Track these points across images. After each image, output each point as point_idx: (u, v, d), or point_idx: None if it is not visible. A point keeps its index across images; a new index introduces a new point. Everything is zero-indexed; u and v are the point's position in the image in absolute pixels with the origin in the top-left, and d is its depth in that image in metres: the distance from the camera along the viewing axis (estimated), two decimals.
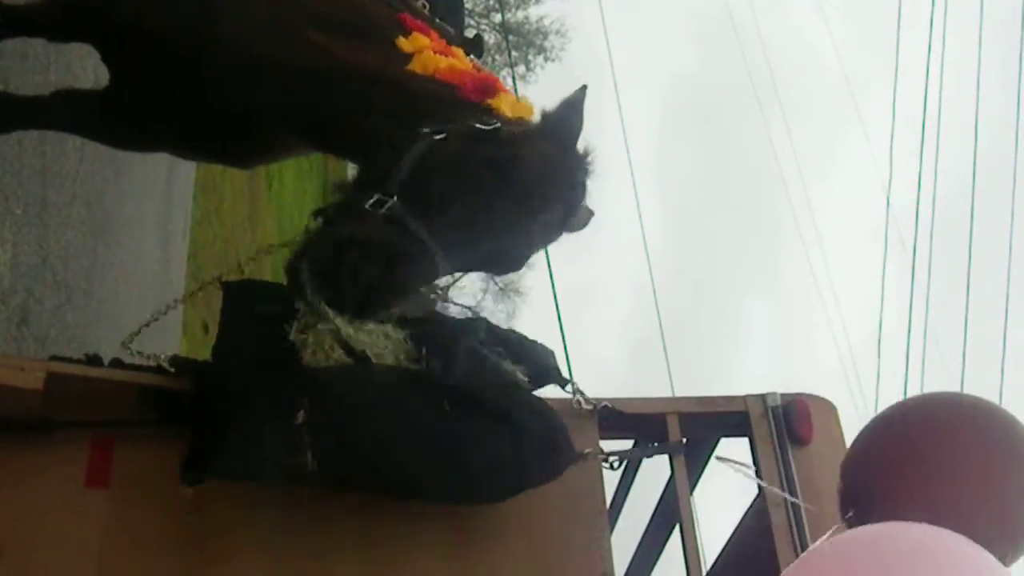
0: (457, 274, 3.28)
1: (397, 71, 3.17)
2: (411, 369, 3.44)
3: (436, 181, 2.87)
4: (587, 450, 3.71)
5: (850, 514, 2.97)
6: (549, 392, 3.99)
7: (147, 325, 3.61)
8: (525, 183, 2.90)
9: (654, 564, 5.14)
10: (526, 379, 3.79)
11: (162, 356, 3.56)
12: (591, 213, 3.37)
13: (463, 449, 3.44)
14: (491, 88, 3.20)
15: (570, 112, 3.13)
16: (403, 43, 3.23)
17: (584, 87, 3.16)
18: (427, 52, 3.22)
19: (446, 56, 3.25)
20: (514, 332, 4.01)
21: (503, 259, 3.07)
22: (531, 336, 3.97)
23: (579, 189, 3.11)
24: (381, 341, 3.44)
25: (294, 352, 3.31)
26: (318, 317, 3.31)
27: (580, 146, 3.13)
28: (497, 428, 3.45)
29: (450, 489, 3.53)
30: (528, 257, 3.14)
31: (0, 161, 5.83)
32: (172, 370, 3.57)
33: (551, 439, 3.58)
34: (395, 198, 2.80)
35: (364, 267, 2.66)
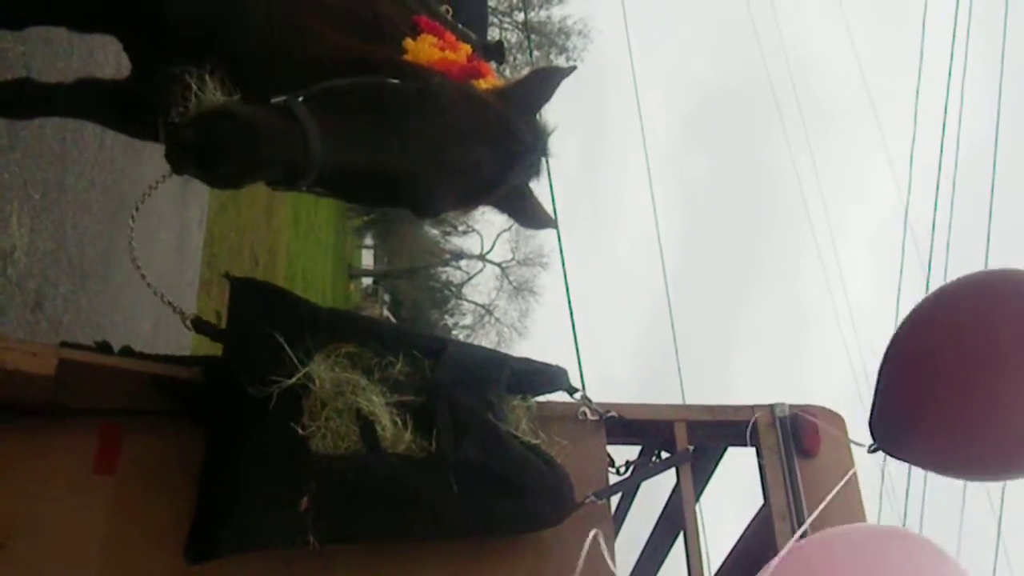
0: (371, 206, 3.18)
1: (391, 60, 3.17)
2: (419, 458, 3.43)
3: (345, 96, 2.87)
4: (588, 498, 3.70)
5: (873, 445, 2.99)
6: (559, 397, 4.02)
7: (142, 202, 3.52)
8: (435, 111, 2.89)
9: (657, 570, 5.15)
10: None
11: (187, 313, 3.58)
12: (551, 219, 3.40)
13: (467, 520, 3.49)
14: (476, 73, 3.22)
15: (534, 81, 3.16)
16: (409, 44, 3.25)
17: (573, 67, 3.19)
18: (424, 44, 3.23)
19: (444, 51, 3.27)
20: (532, 363, 4.04)
21: (413, 187, 2.97)
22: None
23: (515, 143, 3.08)
24: (389, 418, 3.46)
25: (303, 439, 3.29)
26: (332, 398, 3.36)
27: (536, 114, 3.15)
28: (502, 495, 3.49)
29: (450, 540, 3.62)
30: (444, 197, 3.08)
31: (20, 146, 5.86)
32: (193, 331, 3.61)
33: (556, 496, 3.60)
34: (300, 98, 2.79)
35: (224, 125, 2.57)
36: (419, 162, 2.91)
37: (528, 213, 3.34)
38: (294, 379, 3.30)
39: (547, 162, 3.30)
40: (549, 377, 3.99)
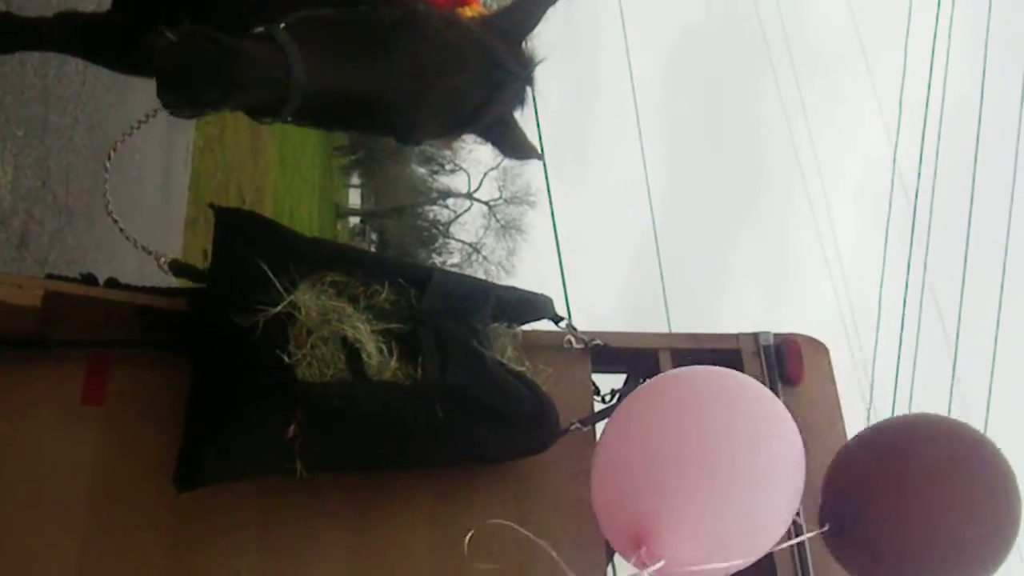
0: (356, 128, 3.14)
1: None
2: (405, 385, 3.44)
3: (328, 23, 2.87)
4: (573, 425, 3.71)
5: (826, 527, 3.14)
6: (544, 326, 4.04)
7: (121, 142, 3.48)
8: (418, 38, 2.89)
9: None
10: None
11: (163, 258, 3.56)
12: (536, 150, 3.40)
13: (453, 447, 3.51)
14: (460, 1, 3.20)
15: (520, 9, 3.17)
16: None
17: None
18: None
19: None
20: (517, 292, 4.07)
21: (395, 114, 2.99)
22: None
23: (499, 71, 3.08)
24: (375, 345, 3.47)
25: (289, 366, 3.27)
26: (317, 326, 3.36)
27: (522, 42, 3.16)
28: (489, 422, 3.50)
29: (438, 468, 3.66)
30: (426, 125, 3.09)
31: (2, 82, 5.82)
32: (171, 273, 3.60)
33: (541, 423, 3.62)
34: (281, 25, 2.78)
35: (207, 47, 2.56)
36: (402, 89, 2.91)
37: (512, 143, 3.34)
38: (280, 307, 3.30)
39: (533, 92, 3.30)
40: (535, 305, 4.00)
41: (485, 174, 61.82)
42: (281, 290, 3.34)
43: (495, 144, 3.32)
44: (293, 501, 3.50)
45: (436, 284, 3.69)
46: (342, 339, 3.38)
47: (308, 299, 3.40)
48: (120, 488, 3.48)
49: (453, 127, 3.16)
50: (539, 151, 3.49)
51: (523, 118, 3.32)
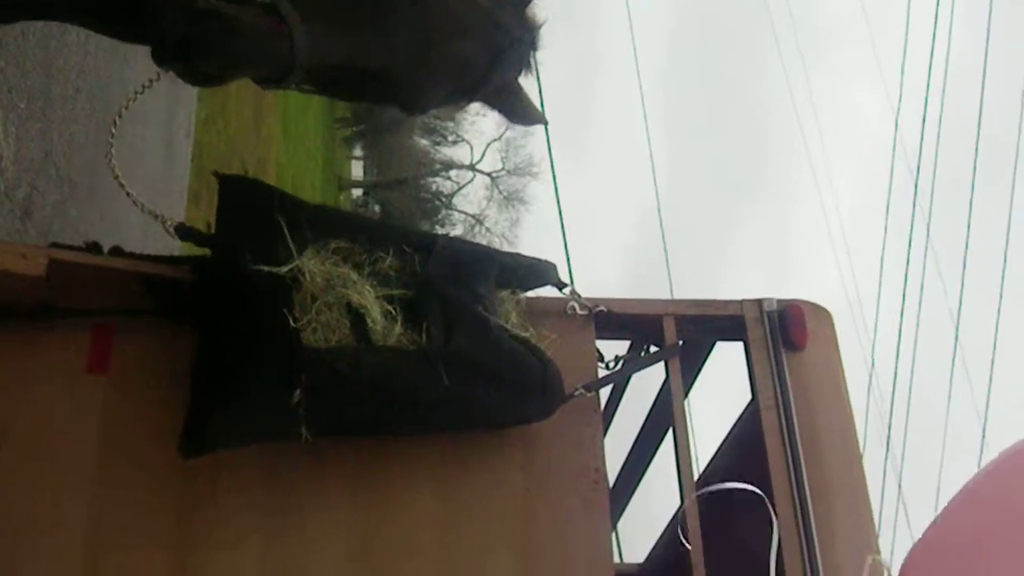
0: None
1: None
2: (410, 351, 3.43)
3: None
4: (577, 391, 3.73)
5: None
6: (548, 293, 4.05)
7: (126, 107, 3.47)
8: (422, 6, 2.87)
9: (647, 465, 5.22)
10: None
11: (168, 221, 3.53)
12: (541, 115, 3.39)
13: (458, 413, 3.52)
14: None
15: None
16: None
17: None
18: None
19: None
20: (521, 258, 4.07)
21: (400, 82, 2.96)
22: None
23: (503, 36, 3.07)
24: (379, 311, 3.47)
25: (295, 331, 3.27)
26: (322, 291, 3.37)
27: (525, 7, 3.13)
28: (493, 388, 3.50)
29: (442, 434, 3.67)
30: (431, 92, 3.07)
31: (3, 54, 5.80)
32: (177, 237, 3.59)
33: (545, 389, 3.61)
34: None
35: (210, 22, 2.54)
36: (406, 57, 2.90)
37: (517, 109, 3.34)
38: (286, 269, 3.31)
39: (535, 57, 3.29)
40: (538, 271, 4.01)
41: (488, 145, 61.78)
42: (287, 254, 3.35)
43: (500, 110, 3.32)
44: (298, 463, 3.52)
45: (441, 250, 3.70)
46: (347, 305, 3.38)
47: (313, 265, 3.41)
48: (127, 453, 3.50)
49: (458, 94, 3.15)
50: (543, 116, 3.49)
51: (527, 83, 3.31)
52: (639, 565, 6.23)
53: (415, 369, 3.36)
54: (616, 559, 6.47)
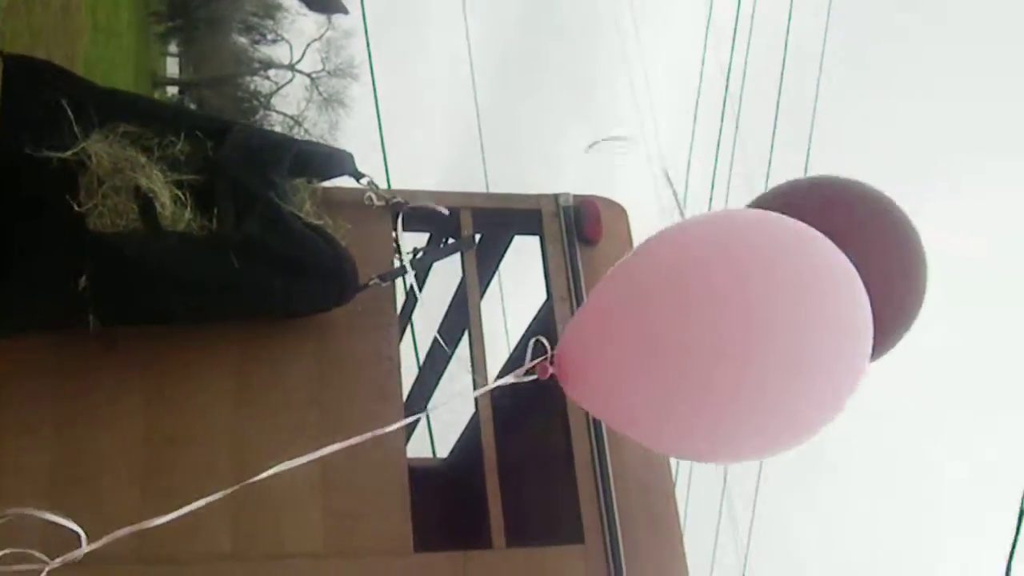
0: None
1: None
2: (200, 236, 3.41)
3: None
4: (372, 280, 3.75)
5: None
6: (347, 182, 4.03)
7: None
8: None
9: (450, 357, 5.27)
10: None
11: None
12: (342, 5, 3.38)
13: (251, 300, 3.53)
14: None
15: None
16: None
17: None
18: None
19: None
20: (317, 146, 4.03)
21: None
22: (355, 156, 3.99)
23: None
24: (169, 196, 3.40)
25: (80, 217, 3.21)
26: (109, 175, 3.28)
27: None
28: (286, 274, 3.51)
29: (237, 322, 3.65)
30: None
31: None
32: None
33: (338, 276, 3.64)
34: None
35: None
36: None
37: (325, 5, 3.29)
38: (69, 153, 3.23)
39: None
40: (335, 161, 3.98)
41: (308, 45, 60.35)
42: (72, 138, 3.26)
43: None
44: (90, 352, 3.48)
45: (234, 136, 3.65)
46: (135, 189, 3.33)
47: (100, 148, 3.34)
48: None
49: None
50: (344, 6, 3.47)
51: None
52: (442, 459, 6.34)
53: (205, 254, 3.34)
54: (429, 454, 6.61)
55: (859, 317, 2.27)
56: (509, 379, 2.54)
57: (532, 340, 2.45)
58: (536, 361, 2.44)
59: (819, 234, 2.33)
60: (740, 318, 2.15)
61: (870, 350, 2.32)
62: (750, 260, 2.23)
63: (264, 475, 2.36)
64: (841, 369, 2.27)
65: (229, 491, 2.29)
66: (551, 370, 2.42)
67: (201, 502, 2.28)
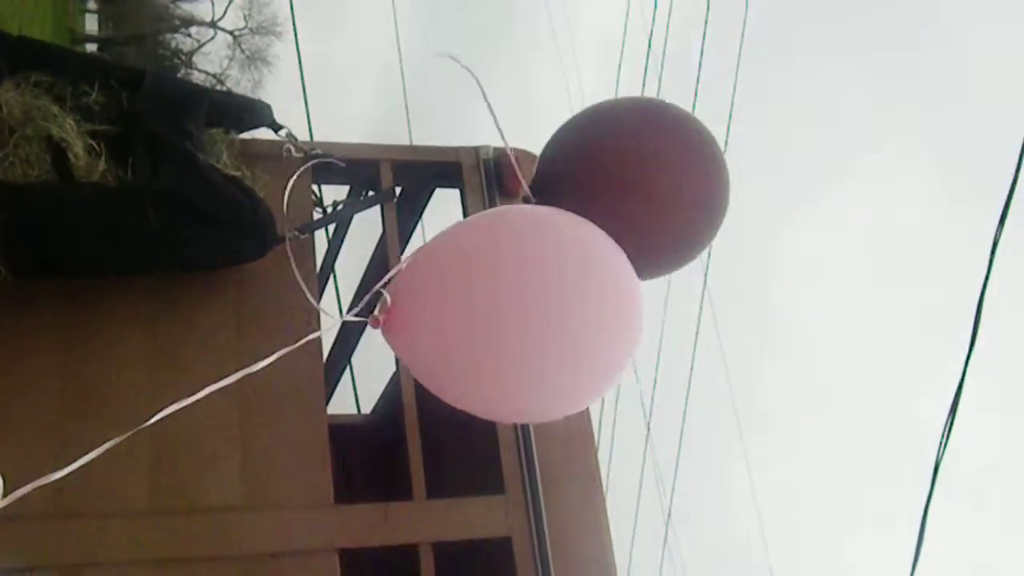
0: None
1: None
2: (114, 187, 3.37)
3: None
4: (291, 233, 3.69)
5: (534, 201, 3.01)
6: (264, 134, 4.00)
7: None
8: None
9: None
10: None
11: None
12: None
13: (168, 252, 3.47)
14: None
15: None
16: None
17: None
18: None
19: None
20: (233, 96, 4.00)
21: None
22: (278, 115, 3.96)
23: None
24: (82, 146, 3.34)
25: None
26: (20, 124, 3.21)
27: None
28: (202, 226, 3.47)
29: (154, 274, 3.62)
30: None
31: None
32: None
33: (256, 228, 3.60)
34: None
35: None
36: None
37: None
38: None
39: None
40: (252, 111, 3.95)
41: (230, 2, 59.64)
42: None
43: None
44: (2, 307, 3.41)
45: (148, 86, 3.60)
46: (47, 139, 3.28)
47: (11, 97, 3.29)
48: None
49: None
50: None
51: None
52: (366, 415, 6.35)
53: (119, 205, 3.30)
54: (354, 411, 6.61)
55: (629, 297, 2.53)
56: (349, 317, 2.66)
57: (373, 291, 2.51)
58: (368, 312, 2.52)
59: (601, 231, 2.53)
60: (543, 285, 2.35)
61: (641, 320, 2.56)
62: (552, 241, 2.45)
63: (159, 416, 2.32)
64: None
65: (122, 438, 2.25)
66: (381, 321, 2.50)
67: (97, 451, 2.25)
